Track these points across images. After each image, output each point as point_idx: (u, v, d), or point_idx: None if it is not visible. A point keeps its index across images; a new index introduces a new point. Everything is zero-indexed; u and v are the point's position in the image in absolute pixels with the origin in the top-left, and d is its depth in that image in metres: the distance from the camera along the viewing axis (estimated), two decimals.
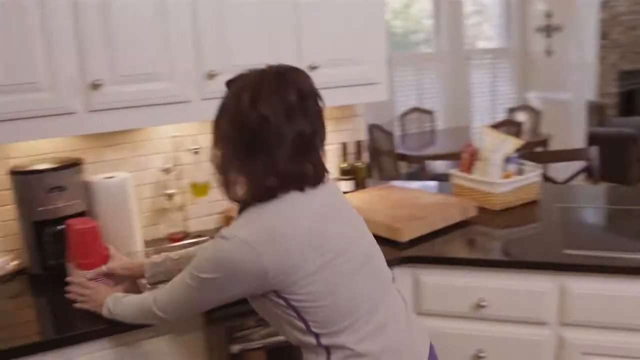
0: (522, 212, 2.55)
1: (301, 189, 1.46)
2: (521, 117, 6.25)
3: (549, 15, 6.79)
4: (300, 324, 1.46)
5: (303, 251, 1.40)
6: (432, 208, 2.40)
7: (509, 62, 7.28)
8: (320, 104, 1.50)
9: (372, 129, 5.45)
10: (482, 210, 2.53)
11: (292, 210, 1.44)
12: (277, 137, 1.41)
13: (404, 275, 2.17)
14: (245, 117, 1.41)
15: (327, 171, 1.55)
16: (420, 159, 5.22)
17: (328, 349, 1.46)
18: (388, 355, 1.48)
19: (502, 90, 7.33)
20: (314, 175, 1.48)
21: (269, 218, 1.42)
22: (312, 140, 1.47)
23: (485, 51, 7.25)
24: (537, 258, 2.07)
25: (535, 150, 5.38)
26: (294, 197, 1.46)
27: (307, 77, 1.50)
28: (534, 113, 6.30)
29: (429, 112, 6.54)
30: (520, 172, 2.66)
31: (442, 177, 5.15)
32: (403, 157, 5.36)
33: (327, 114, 2.68)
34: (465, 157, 2.71)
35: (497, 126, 4.95)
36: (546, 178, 3.48)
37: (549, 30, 6.85)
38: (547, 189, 2.85)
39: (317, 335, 1.46)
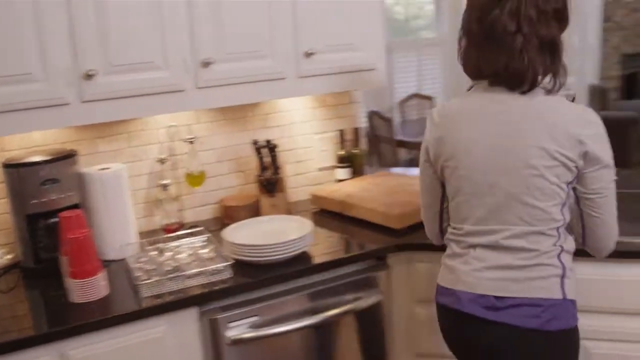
0: None
1: (481, 80, 1.63)
2: None
3: None
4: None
5: (447, 148, 1.65)
6: None
7: None
8: (542, 13, 1.53)
9: (372, 115, 5.42)
10: None
11: (467, 109, 1.64)
12: (467, 21, 1.66)
13: (400, 262, 2.16)
14: None
15: (531, 79, 1.54)
16: (420, 146, 5.19)
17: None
18: (457, 262, 1.68)
19: None
20: (499, 74, 1.56)
21: (451, 105, 1.70)
22: (496, 35, 1.55)
23: None
24: None
25: None
26: (478, 97, 1.63)
27: None
28: None
29: (428, 98, 6.50)
30: None
31: None
32: (402, 144, 5.34)
33: (324, 101, 2.70)
34: None
35: None
36: None
37: None
38: None
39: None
